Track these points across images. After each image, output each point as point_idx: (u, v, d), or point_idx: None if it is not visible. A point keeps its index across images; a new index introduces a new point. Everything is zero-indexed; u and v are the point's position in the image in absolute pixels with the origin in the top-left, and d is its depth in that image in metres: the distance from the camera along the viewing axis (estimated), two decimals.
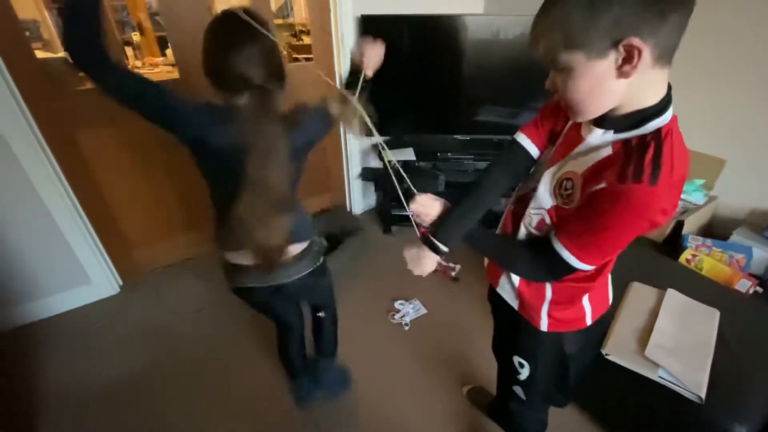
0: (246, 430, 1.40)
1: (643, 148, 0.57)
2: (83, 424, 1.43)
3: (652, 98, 0.57)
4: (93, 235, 1.87)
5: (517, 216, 0.80)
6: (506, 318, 0.93)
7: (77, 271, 1.87)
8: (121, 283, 2.05)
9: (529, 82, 2.19)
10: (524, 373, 0.94)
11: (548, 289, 0.79)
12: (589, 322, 0.83)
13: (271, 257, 0.97)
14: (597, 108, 0.60)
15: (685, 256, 1.57)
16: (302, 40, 3.74)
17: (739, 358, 1.15)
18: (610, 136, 0.62)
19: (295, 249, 1.08)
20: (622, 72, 0.53)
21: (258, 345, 1.72)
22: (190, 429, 1.41)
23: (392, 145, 2.38)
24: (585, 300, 0.80)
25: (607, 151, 0.61)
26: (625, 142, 0.60)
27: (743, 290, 1.44)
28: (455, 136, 2.41)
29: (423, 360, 1.66)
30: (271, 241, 0.93)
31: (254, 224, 0.89)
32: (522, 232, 0.78)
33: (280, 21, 3.76)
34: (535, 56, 0.60)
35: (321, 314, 1.37)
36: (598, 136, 0.64)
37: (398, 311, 1.88)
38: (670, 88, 0.59)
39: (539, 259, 0.71)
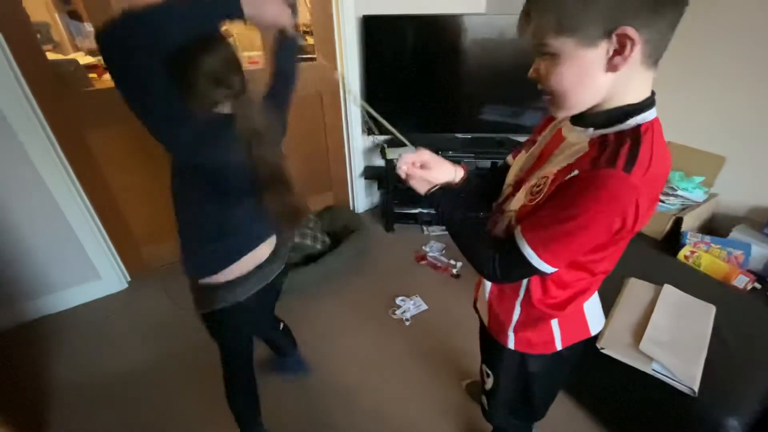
0: None
1: (620, 141, 0.55)
2: (92, 415, 1.47)
3: (635, 97, 0.56)
4: (102, 231, 1.93)
5: (493, 225, 0.78)
6: (482, 327, 0.94)
7: (87, 267, 1.93)
8: (129, 279, 2.10)
9: (530, 81, 2.20)
10: (489, 383, 0.94)
11: (516, 308, 0.78)
12: (558, 347, 0.79)
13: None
14: (579, 101, 0.58)
15: (684, 252, 1.58)
16: (306, 40, 3.78)
17: (734, 353, 1.16)
18: (590, 132, 0.60)
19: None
20: (611, 64, 0.52)
21: (262, 341, 1.76)
22: (196, 422, 1.45)
23: (394, 144, 2.41)
24: (554, 324, 0.77)
25: (583, 147, 0.60)
26: (602, 137, 0.58)
27: (741, 286, 1.45)
28: (457, 135, 2.43)
29: (423, 355, 1.68)
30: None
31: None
32: None
33: None
34: (523, 38, 0.58)
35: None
36: (577, 135, 0.63)
37: (399, 307, 1.91)
38: (653, 93, 0.58)
39: (498, 253, 0.65)
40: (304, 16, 2.24)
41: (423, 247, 2.35)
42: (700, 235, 1.64)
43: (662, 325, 1.21)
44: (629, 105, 0.56)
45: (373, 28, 2.12)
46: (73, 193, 1.76)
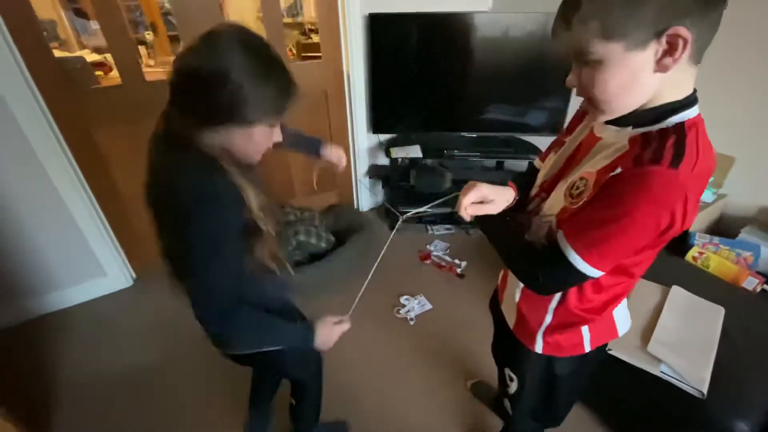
0: None
1: (664, 138, 0.53)
2: (97, 413, 1.48)
3: (679, 94, 0.55)
4: (108, 229, 1.93)
5: (523, 227, 0.77)
6: (503, 328, 0.91)
7: (93, 264, 1.93)
8: (134, 276, 2.11)
9: (536, 80, 2.19)
10: (513, 387, 0.92)
11: (549, 312, 0.76)
12: (587, 348, 0.78)
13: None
14: (626, 105, 0.55)
15: (692, 253, 1.57)
16: (311, 38, 3.78)
17: (743, 355, 1.15)
18: (629, 131, 0.59)
19: None
20: (661, 65, 0.50)
21: None
22: (199, 420, 1.45)
23: (399, 143, 2.40)
24: (585, 328, 0.76)
25: (624, 145, 0.58)
26: (644, 135, 0.56)
27: (750, 288, 1.43)
28: (462, 134, 2.42)
29: (428, 354, 1.68)
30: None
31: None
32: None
33: (289, 20, 3.80)
34: (559, 48, 0.55)
35: None
36: (614, 134, 0.61)
37: (403, 306, 1.91)
38: (695, 90, 0.56)
39: (544, 264, 0.63)
40: (310, 14, 2.24)
41: (427, 246, 2.35)
42: (708, 236, 1.62)
43: (670, 327, 1.20)
44: (673, 102, 0.55)
45: (379, 26, 2.11)
46: (79, 190, 1.76)
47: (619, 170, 0.54)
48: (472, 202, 0.74)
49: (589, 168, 0.62)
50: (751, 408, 1.05)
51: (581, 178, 0.62)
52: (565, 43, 0.54)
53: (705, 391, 1.04)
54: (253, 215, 0.71)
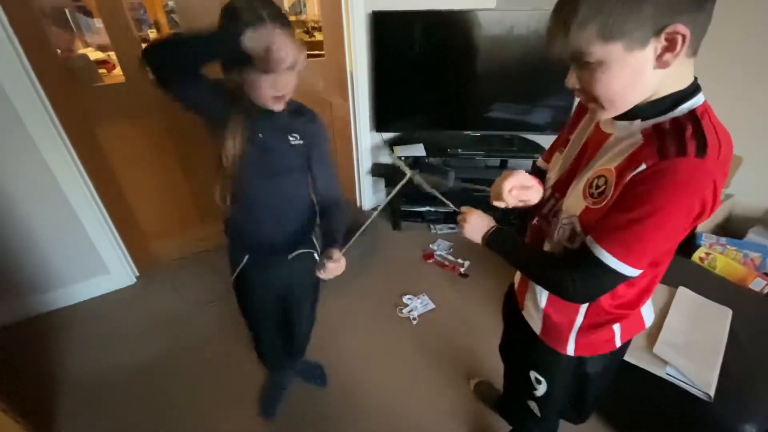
0: (257, 418, 1.43)
1: (679, 128, 0.54)
2: (99, 408, 1.48)
3: (680, 84, 0.55)
4: (111, 226, 1.93)
5: (540, 232, 0.77)
6: (524, 334, 0.87)
7: (96, 262, 1.94)
8: (137, 273, 2.11)
9: (540, 78, 2.17)
10: (541, 389, 0.89)
11: (580, 314, 0.74)
12: (618, 344, 0.77)
13: None
14: (629, 102, 0.56)
15: (699, 254, 1.55)
16: (314, 36, 3.77)
17: (751, 358, 1.13)
18: (638, 124, 0.59)
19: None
20: (661, 61, 0.51)
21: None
22: (202, 416, 1.45)
23: (403, 141, 2.39)
24: (617, 325, 0.75)
25: (639, 138, 0.58)
26: (657, 126, 0.56)
27: (757, 289, 1.42)
28: (466, 132, 2.41)
29: (430, 354, 1.67)
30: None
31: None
32: (547, 248, 0.74)
33: (293, 17, 3.79)
34: (555, 52, 0.55)
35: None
36: (624, 128, 0.61)
37: (406, 306, 1.90)
38: (695, 78, 0.57)
39: (575, 272, 0.62)
40: (313, 12, 2.23)
41: (430, 246, 2.34)
42: (715, 236, 1.60)
43: (677, 329, 1.18)
44: (678, 92, 0.55)
45: (383, 24, 2.09)
46: (82, 188, 1.77)
47: (644, 166, 0.54)
48: (513, 186, 0.71)
49: (607, 165, 0.61)
50: (759, 411, 1.03)
51: (599, 176, 0.62)
52: (562, 48, 0.54)
53: (712, 393, 1.03)
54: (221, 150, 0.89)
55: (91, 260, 1.92)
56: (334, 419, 1.43)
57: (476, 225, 0.79)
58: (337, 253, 0.93)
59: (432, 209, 2.45)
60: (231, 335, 1.77)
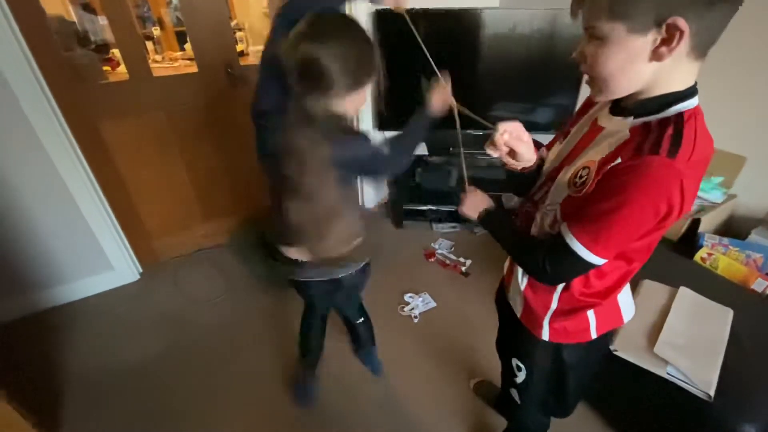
0: (259, 415, 1.45)
1: (663, 128, 0.55)
2: (104, 405, 1.50)
3: (678, 86, 0.56)
4: (115, 223, 1.95)
5: (529, 217, 0.79)
6: (509, 320, 0.92)
7: (100, 258, 1.95)
8: (141, 270, 2.12)
9: (544, 77, 2.17)
10: (521, 376, 0.93)
11: (554, 299, 0.77)
12: (593, 335, 0.80)
13: (331, 262, 1.01)
14: (621, 87, 0.58)
15: (700, 254, 1.55)
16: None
17: (752, 358, 1.13)
18: (630, 121, 0.61)
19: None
20: (656, 53, 0.52)
21: (272, 333, 1.77)
22: (205, 412, 1.46)
23: None
24: (590, 313, 0.78)
25: (625, 134, 0.60)
26: (645, 125, 0.58)
27: (759, 290, 1.41)
28: (468, 131, 2.40)
29: (431, 352, 1.68)
30: (331, 253, 0.96)
31: (311, 233, 0.92)
32: (533, 233, 0.77)
33: None
34: (574, 18, 0.58)
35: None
36: (617, 124, 0.63)
37: (407, 304, 1.91)
38: (695, 83, 0.58)
39: (548, 255, 0.67)
40: None
41: (432, 245, 2.34)
42: (717, 237, 1.60)
43: (678, 328, 1.18)
44: (672, 93, 0.57)
45: (386, 22, 2.09)
46: (86, 185, 1.78)
47: (619, 160, 0.57)
48: (507, 130, 0.73)
49: (592, 157, 0.64)
50: (759, 411, 1.03)
51: (584, 167, 0.64)
52: (577, 15, 0.58)
53: (712, 393, 1.03)
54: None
55: (95, 256, 1.93)
56: (333, 415, 1.44)
57: (476, 202, 0.84)
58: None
59: (434, 208, 2.45)
60: (235, 332, 1.78)
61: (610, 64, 0.56)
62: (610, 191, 0.57)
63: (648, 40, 0.52)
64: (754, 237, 1.58)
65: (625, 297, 0.81)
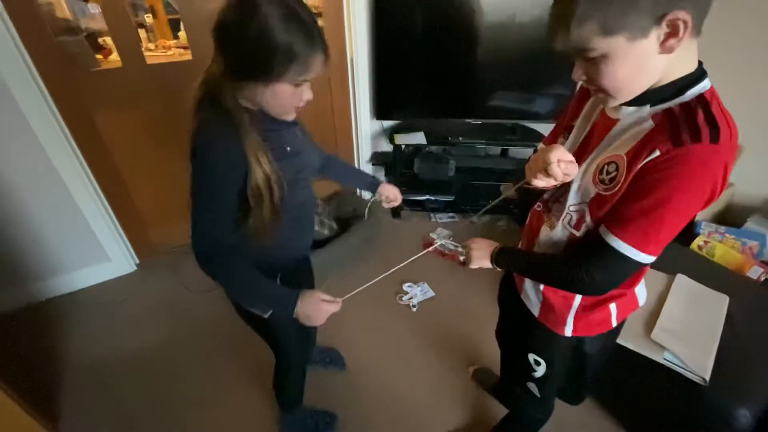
0: (258, 403, 1.45)
1: (690, 113, 0.54)
2: (102, 395, 1.50)
3: (686, 68, 0.56)
4: (110, 213, 1.93)
5: (540, 218, 0.78)
6: (520, 317, 0.89)
7: (96, 249, 1.94)
8: (138, 261, 2.11)
9: (544, 66, 2.15)
10: (540, 371, 0.91)
11: (578, 296, 0.75)
12: (614, 323, 0.78)
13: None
14: (637, 89, 0.57)
15: (697, 242, 1.56)
16: (318, 23, 3.72)
17: (747, 344, 1.15)
18: (646, 110, 0.59)
19: None
20: (665, 47, 0.51)
21: None
22: (204, 402, 1.47)
23: (404, 129, 2.38)
24: (612, 305, 0.76)
25: (649, 124, 0.58)
26: (667, 111, 0.57)
27: (755, 277, 1.43)
28: (467, 120, 2.39)
29: (429, 341, 1.69)
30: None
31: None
32: (545, 234, 0.75)
33: None
34: (558, 48, 0.55)
35: None
36: (632, 114, 0.61)
37: (406, 293, 1.91)
38: (701, 62, 0.57)
39: (591, 264, 0.62)
40: None
41: (430, 234, 2.34)
42: (714, 225, 1.61)
43: (674, 315, 1.20)
44: (684, 77, 0.56)
45: (384, 9, 2.06)
46: (81, 175, 1.76)
47: (657, 153, 0.54)
48: (560, 159, 0.62)
49: (617, 151, 0.61)
50: (754, 395, 1.05)
51: (610, 162, 0.61)
52: (565, 45, 0.54)
53: (707, 378, 1.04)
54: (252, 186, 0.74)
55: (91, 247, 1.92)
56: (332, 403, 1.45)
57: (481, 250, 0.82)
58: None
59: (432, 198, 2.45)
60: (232, 321, 1.77)
61: (620, 75, 0.54)
62: (654, 186, 0.55)
63: (652, 39, 0.50)
64: (750, 224, 1.60)
65: (641, 282, 0.79)
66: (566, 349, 0.85)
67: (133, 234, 2.05)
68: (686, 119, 0.54)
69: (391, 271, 1.02)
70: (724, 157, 0.52)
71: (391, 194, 1.12)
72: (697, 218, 1.64)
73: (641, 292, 0.81)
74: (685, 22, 0.48)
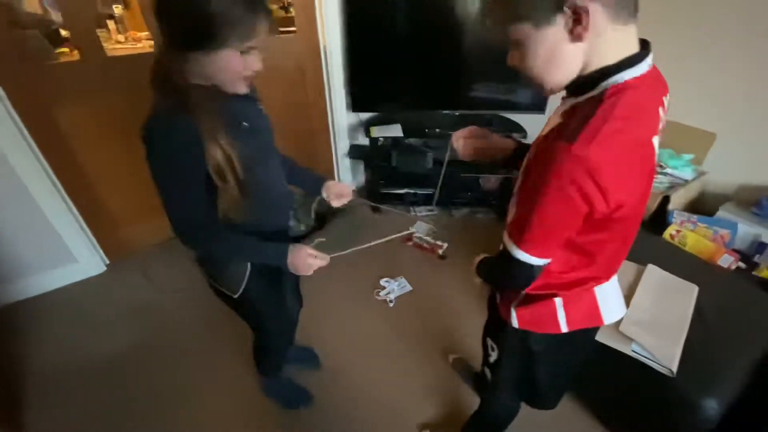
0: (231, 406, 1.42)
1: (584, 110, 0.52)
2: (70, 399, 1.45)
3: (613, 57, 0.53)
4: (76, 214, 1.86)
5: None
6: (492, 301, 0.92)
7: (62, 250, 1.87)
8: (107, 261, 2.05)
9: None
10: (493, 356, 0.93)
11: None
12: (564, 329, 0.76)
13: None
14: (560, 76, 0.56)
15: (669, 231, 1.56)
16: (291, 12, 3.62)
17: (715, 334, 1.15)
18: (571, 101, 0.58)
19: None
20: (574, 35, 0.50)
21: (243, 325, 1.73)
22: (175, 404, 1.43)
23: (381, 122, 2.33)
24: (558, 304, 0.75)
25: (558, 119, 0.57)
26: (574, 106, 0.56)
27: (725, 265, 1.43)
28: (444, 112, 2.35)
29: (407, 335, 1.67)
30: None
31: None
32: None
33: None
34: (493, 36, 0.58)
35: None
36: (561, 107, 0.60)
37: (383, 288, 1.89)
38: (646, 45, 0.55)
39: (502, 269, 0.69)
40: None
41: (410, 228, 2.31)
42: (687, 213, 1.61)
43: (644, 306, 1.19)
44: (603, 68, 0.53)
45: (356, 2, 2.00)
46: (40, 173, 1.68)
47: (534, 151, 0.57)
48: (464, 137, 0.79)
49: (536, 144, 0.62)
50: (721, 386, 1.05)
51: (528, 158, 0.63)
52: (493, 32, 0.57)
53: (674, 369, 1.04)
54: (211, 165, 0.73)
55: (56, 249, 1.85)
56: (312, 402, 1.43)
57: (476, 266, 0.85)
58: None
59: (412, 191, 2.42)
60: (204, 322, 1.74)
61: (536, 61, 0.55)
62: (526, 185, 0.57)
63: (559, 26, 0.50)
64: (721, 213, 1.61)
65: (606, 295, 0.76)
66: (514, 340, 0.85)
67: (101, 233, 1.98)
68: (577, 117, 0.52)
69: (378, 242, 1.10)
70: (580, 160, 0.48)
71: (338, 191, 1.09)
72: (669, 207, 1.64)
73: (608, 306, 0.77)
74: (585, 9, 0.47)
